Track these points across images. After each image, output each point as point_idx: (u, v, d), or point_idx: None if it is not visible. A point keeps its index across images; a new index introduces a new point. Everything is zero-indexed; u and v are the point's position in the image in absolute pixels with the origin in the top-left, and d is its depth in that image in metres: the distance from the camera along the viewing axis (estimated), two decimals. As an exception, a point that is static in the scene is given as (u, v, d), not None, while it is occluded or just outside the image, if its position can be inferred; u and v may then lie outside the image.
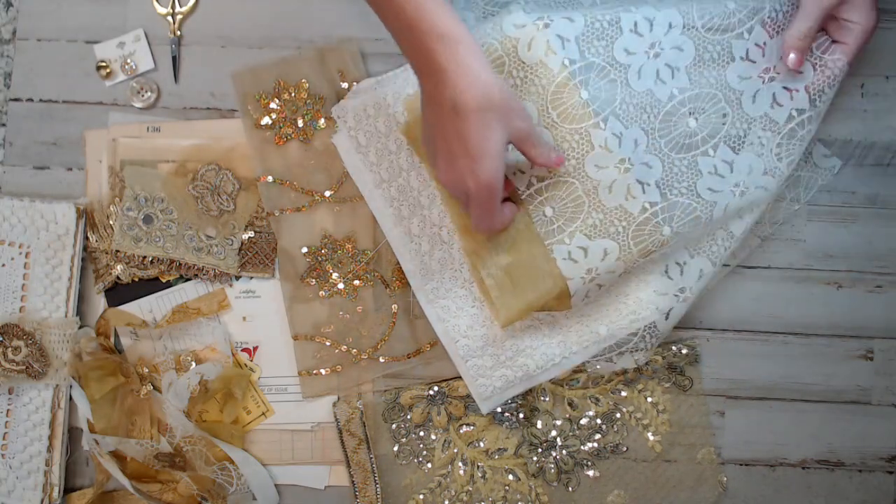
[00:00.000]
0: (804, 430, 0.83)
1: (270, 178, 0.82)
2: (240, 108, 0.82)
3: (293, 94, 0.82)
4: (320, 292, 0.81)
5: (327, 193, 0.82)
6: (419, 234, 0.80)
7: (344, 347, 0.81)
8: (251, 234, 0.82)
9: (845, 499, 0.83)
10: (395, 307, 0.81)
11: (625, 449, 0.82)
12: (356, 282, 0.81)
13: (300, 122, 0.82)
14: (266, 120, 0.82)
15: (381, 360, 0.81)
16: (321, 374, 0.81)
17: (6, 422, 0.78)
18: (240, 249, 0.81)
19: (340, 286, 0.81)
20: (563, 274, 0.74)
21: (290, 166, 0.82)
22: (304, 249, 0.82)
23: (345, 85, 0.82)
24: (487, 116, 0.64)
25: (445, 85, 0.63)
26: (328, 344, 0.81)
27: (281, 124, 0.82)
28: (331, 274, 0.81)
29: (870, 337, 0.83)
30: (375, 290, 0.82)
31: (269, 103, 0.82)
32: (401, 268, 0.81)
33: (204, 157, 0.82)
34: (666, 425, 0.82)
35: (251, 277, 0.82)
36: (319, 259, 0.82)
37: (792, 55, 0.76)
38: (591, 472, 0.82)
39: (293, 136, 0.82)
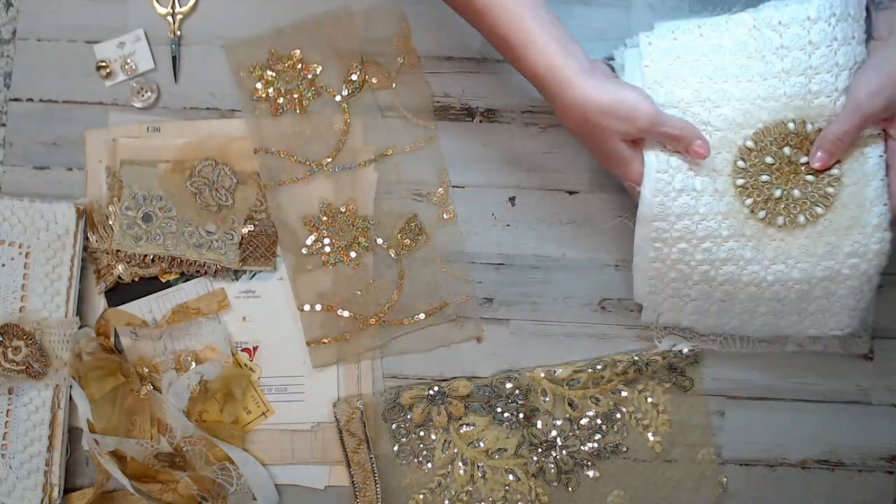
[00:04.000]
0: (804, 430, 0.83)
1: (268, 150, 0.82)
2: (234, 79, 0.82)
3: (287, 65, 0.82)
4: (322, 261, 0.81)
5: (325, 161, 0.82)
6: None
7: (349, 314, 0.81)
8: (251, 227, 0.82)
9: (845, 499, 0.83)
10: (400, 270, 0.81)
11: (625, 449, 0.82)
12: (355, 252, 0.81)
13: (295, 93, 0.82)
14: (260, 89, 0.82)
15: (389, 324, 0.81)
16: (328, 342, 0.81)
17: (6, 422, 0.78)
18: (240, 244, 0.81)
19: (343, 254, 0.81)
20: None
21: (286, 137, 0.82)
22: (303, 219, 0.82)
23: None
24: (589, 130, 0.72)
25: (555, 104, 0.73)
26: (335, 313, 0.81)
27: (276, 95, 0.82)
28: (332, 242, 0.81)
29: (870, 337, 0.83)
30: (377, 256, 0.82)
31: (263, 74, 0.82)
32: (405, 230, 0.81)
33: (200, 152, 0.82)
34: (666, 425, 0.82)
35: (253, 273, 0.82)
36: (319, 228, 0.81)
37: (819, 153, 0.72)
38: (591, 473, 0.82)
39: (288, 106, 0.82)
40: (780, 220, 0.73)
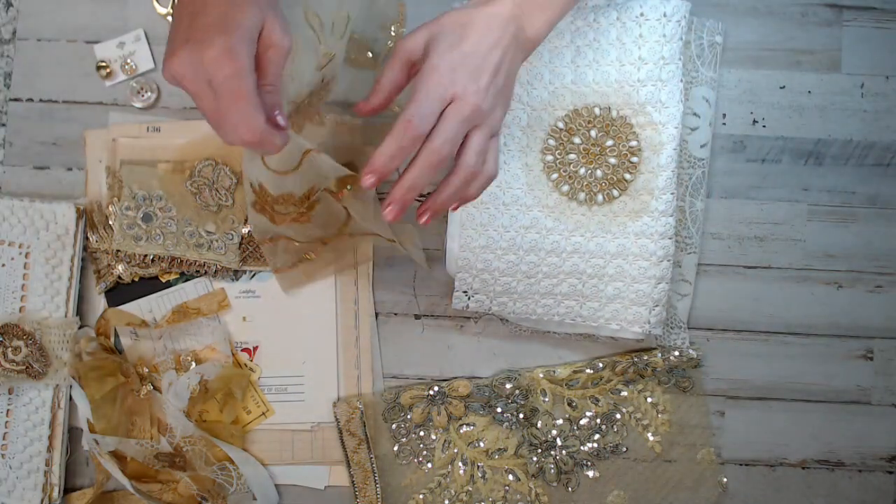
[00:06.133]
0: (804, 430, 0.83)
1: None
2: None
3: None
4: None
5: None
6: None
7: (308, 241, 0.80)
8: (251, 227, 0.82)
9: (845, 499, 0.83)
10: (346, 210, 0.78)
11: (625, 449, 0.82)
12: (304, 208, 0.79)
13: None
14: None
15: (352, 235, 0.80)
16: (293, 266, 0.81)
17: (6, 422, 0.78)
18: (240, 244, 0.81)
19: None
20: None
21: None
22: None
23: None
24: None
25: None
26: (294, 242, 0.80)
27: None
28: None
29: (870, 337, 0.83)
30: (324, 204, 0.78)
31: None
32: (344, 178, 0.75)
33: (200, 152, 0.82)
34: (666, 426, 0.82)
35: (253, 273, 0.82)
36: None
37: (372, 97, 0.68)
38: (591, 473, 0.82)
39: None
40: (582, 196, 0.79)
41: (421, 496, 0.81)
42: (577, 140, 0.79)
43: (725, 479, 0.83)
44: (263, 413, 0.82)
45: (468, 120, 0.62)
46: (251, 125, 0.56)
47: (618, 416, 0.82)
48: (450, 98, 0.62)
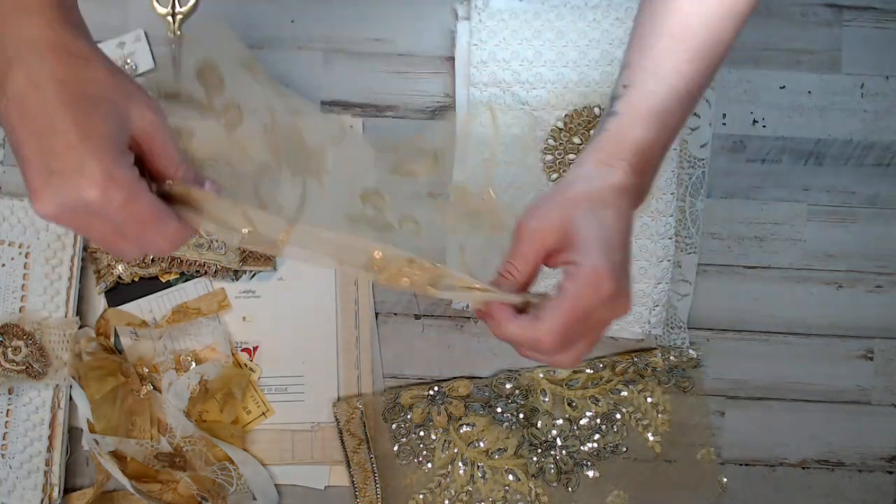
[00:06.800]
0: (804, 430, 0.83)
1: None
2: None
3: None
4: None
5: None
6: None
7: None
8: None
9: (845, 499, 0.83)
10: None
11: (625, 449, 0.82)
12: None
13: None
14: None
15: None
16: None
17: (6, 422, 0.78)
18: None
19: None
20: None
21: None
22: None
23: None
24: None
25: None
26: None
27: None
28: None
29: (870, 337, 0.83)
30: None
31: None
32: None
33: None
34: (666, 425, 0.82)
35: (253, 273, 0.82)
36: None
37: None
38: (591, 473, 0.82)
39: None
40: None
41: (421, 496, 0.81)
42: (577, 140, 0.79)
43: (725, 479, 0.83)
44: (263, 413, 0.82)
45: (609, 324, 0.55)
46: (169, 237, 0.49)
47: (618, 416, 0.82)
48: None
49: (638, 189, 0.57)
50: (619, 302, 0.53)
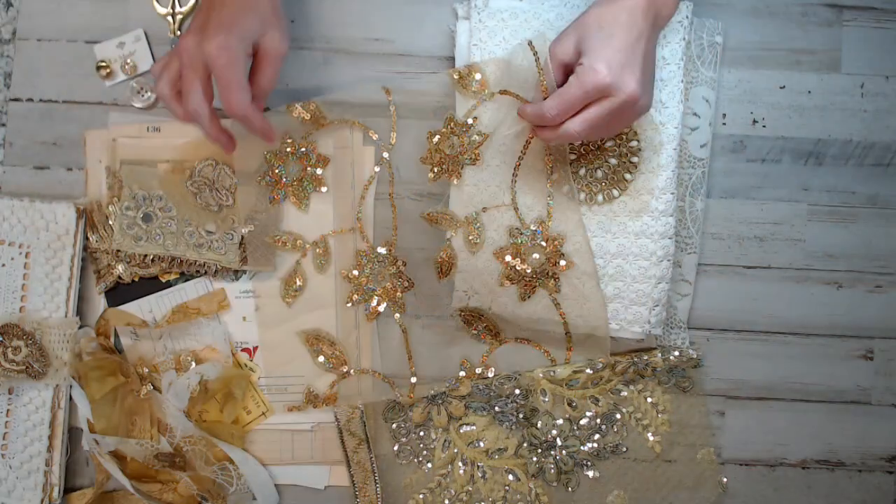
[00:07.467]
0: (804, 430, 0.83)
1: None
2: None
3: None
4: None
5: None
6: None
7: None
8: (251, 227, 0.82)
9: (845, 499, 0.83)
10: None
11: (625, 449, 0.82)
12: None
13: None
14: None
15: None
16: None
17: (6, 422, 0.78)
18: (240, 244, 0.81)
19: None
20: None
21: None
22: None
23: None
24: None
25: None
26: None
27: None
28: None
29: (870, 337, 0.83)
30: None
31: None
32: None
33: (200, 152, 0.82)
34: (666, 425, 0.82)
35: (253, 273, 0.82)
36: None
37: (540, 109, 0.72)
38: (590, 473, 0.82)
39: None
40: (582, 195, 0.79)
41: (421, 496, 0.81)
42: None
43: (725, 479, 0.83)
44: (263, 413, 0.82)
45: (617, 111, 0.67)
46: (239, 101, 0.69)
47: (618, 416, 0.82)
48: (605, 94, 0.67)
49: (654, 8, 0.68)
50: (621, 90, 0.66)
